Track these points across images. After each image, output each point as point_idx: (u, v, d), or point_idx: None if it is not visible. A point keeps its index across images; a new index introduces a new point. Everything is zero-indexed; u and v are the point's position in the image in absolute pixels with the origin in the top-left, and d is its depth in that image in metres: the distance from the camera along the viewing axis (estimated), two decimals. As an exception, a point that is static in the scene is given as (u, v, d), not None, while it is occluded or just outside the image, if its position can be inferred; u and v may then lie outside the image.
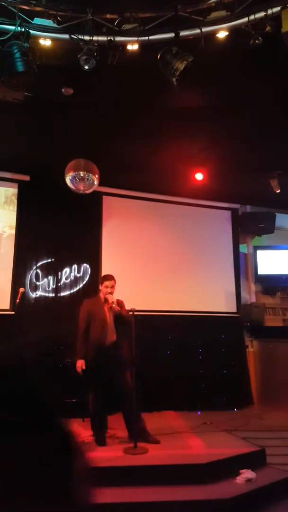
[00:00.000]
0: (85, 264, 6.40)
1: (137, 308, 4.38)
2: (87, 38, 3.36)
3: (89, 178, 5.46)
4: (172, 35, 3.39)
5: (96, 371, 4.26)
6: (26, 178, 6.18)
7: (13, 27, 3.20)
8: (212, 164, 5.93)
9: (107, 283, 4.48)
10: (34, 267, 6.08)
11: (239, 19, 3.32)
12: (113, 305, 4.39)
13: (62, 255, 6.27)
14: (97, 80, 3.92)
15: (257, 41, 3.28)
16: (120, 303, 4.61)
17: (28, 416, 0.78)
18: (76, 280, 6.31)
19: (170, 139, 5.26)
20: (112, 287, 4.47)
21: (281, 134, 5.12)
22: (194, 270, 6.98)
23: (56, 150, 5.43)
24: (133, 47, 3.44)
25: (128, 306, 4.56)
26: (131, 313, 4.28)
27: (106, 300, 4.43)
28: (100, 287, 4.58)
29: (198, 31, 3.36)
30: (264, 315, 7.07)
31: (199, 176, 6.24)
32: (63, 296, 6.18)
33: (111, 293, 4.45)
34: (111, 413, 4.69)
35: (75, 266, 6.34)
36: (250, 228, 7.40)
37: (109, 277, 4.52)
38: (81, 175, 5.43)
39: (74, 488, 0.77)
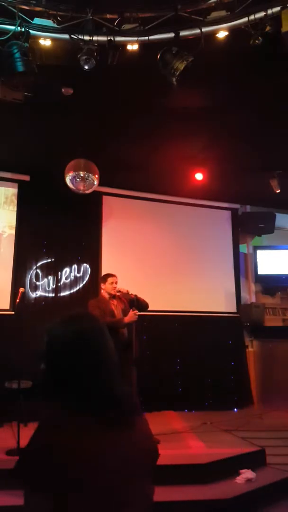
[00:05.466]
0: (85, 264, 6.41)
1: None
2: (87, 38, 3.35)
3: (89, 178, 5.46)
4: (172, 35, 3.38)
5: None
6: (26, 178, 6.18)
7: (13, 27, 3.20)
8: (212, 164, 5.92)
9: (111, 279, 4.58)
10: (34, 267, 6.09)
11: (239, 19, 3.31)
12: (129, 292, 4.51)
13: (62, 255, 6.27)
14: (97, 80, 3.92)
15: (257, 41, 3.28)
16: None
17: None
18: (76, 280, 6.31)
19: (170, 139, 5.25)
20: (116, 283, 4.57)
21: (281, 134, 5.12)
22: (194, 270, 6.98)
23: (56, 150, 5.43)
24: (133, 47, 3.44)
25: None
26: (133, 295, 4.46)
27: (119, 291, 4.53)
28: (103, 286, 4.61)
29: (198, 31, 3.35)
30: (264, 315, 7.07)
31: (199, 176, 6.24)
32: (63, 296, 6.18)
33: (115, 288, 4.56)
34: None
35: (75, 266, 6.34)
36: (250, 228, 7.40)
37: (113, 274, 4.64)
38: (81, 175, 5.43)
39: None
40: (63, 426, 1.03)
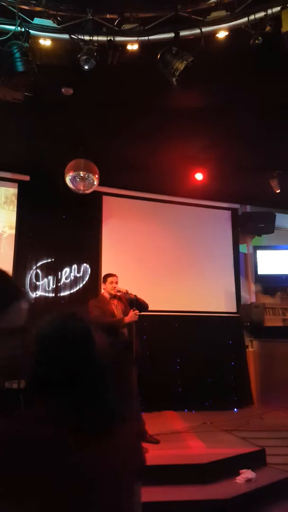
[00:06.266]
0: (85, 264, 6.41)
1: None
2: (87, 38, 3.35)
3: (89, 178, 5.46)
4: (172, 35, 3.38)
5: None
6: (26, 178, 6.18)
7: (13, 27, 3.20)
8: (212, 164, 5.92)
9: (111, 279, 4.58)
10: (34, 267, 6.09)
11: (239, 19, 3.31)
12: (128, 292, 4.51)
13: (62, 255, 6.27)
14: (97, 80, 3.92)
15: (257, 41, 3.28)
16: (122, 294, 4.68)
17: None
18: (76, 280, 6.31)
19: (170, 139, 5.25)
20: (116, 282, 4.58)
21: (281, 134, 5.12)
22: (194, 270, 6.98)
23: (56, 150, 5.42)
24: (133, 47, 3.44)
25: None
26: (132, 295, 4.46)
27: (119, 291, 4.53)
28: (104, 286, 4.62)
29: (198, 31, 3.35)
30: (264, 315, 7.07)
31: (199, 176, 6.23)
32: (63, 296, 6.18)
33: (115, 288, 4.56)
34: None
35: (75, 266, 6.34)
36: (250, 228, 7.40)
37: (113, 274, 4.64)
38: (81, 175, 5.43)
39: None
40: (25, 426, 1.00)
